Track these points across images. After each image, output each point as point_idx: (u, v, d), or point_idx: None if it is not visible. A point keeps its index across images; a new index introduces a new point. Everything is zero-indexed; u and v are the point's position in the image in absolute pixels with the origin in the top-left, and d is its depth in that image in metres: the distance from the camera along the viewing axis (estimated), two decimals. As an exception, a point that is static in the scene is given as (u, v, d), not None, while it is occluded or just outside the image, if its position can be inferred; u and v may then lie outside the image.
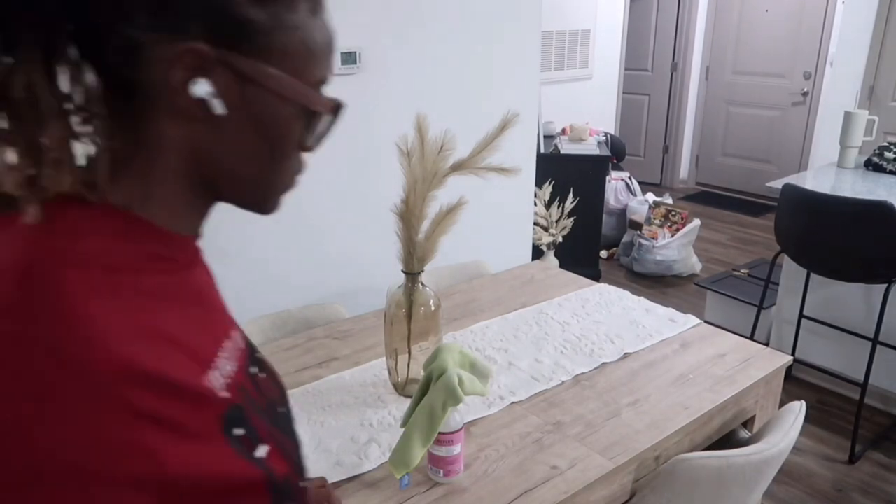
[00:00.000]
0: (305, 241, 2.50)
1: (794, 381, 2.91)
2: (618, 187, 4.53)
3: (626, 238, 4.37)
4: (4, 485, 0.42)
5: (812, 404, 2.74)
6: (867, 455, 2.43)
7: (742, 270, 3.44)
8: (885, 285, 2.32)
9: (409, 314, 1.36)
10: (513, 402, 1.39)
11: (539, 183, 3.48)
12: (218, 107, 0.53)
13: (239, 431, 0.52)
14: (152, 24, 0.49)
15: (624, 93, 5.33)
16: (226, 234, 2.33)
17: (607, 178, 4.21)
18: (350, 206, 2.59)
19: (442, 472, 1.15)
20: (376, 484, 1.15)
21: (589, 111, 4.91)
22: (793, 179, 2.71)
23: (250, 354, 0.67)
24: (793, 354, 2.80)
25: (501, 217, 3.10)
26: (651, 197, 4.44)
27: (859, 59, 3.92)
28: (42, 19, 0.47)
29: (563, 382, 1.47)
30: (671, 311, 1.83)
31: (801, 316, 2.81)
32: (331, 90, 2.11)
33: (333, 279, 2.62)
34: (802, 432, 2.15)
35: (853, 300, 2.70)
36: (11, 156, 0.48)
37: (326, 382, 1.47)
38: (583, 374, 1.51)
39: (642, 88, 5.85)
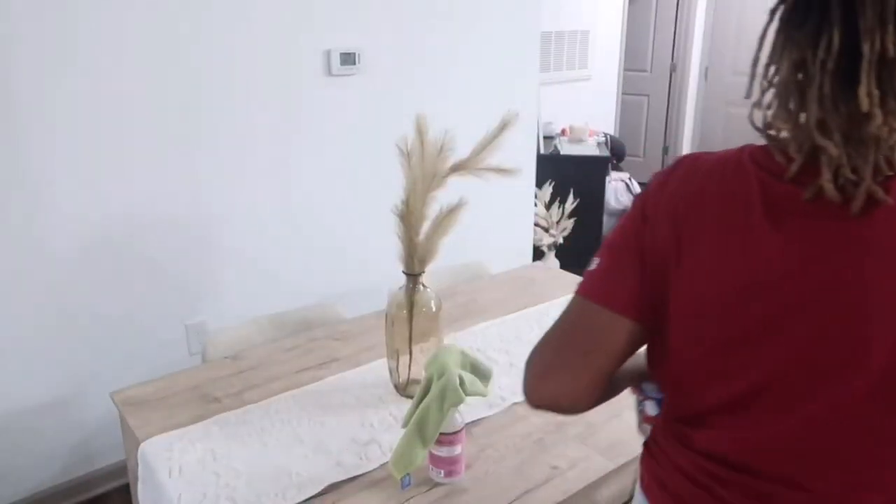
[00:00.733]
0: (306, 242, 2.50)
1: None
2: (618, 188, 4.54)
3: (625, 238, 4.36)
4: None
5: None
6: (867, 455, 2.43)
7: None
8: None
9: (410, 315, 1.35)
10: (514, 403, 1.39)
11: (539, 184, 3.48)
12: None
13: None
14: None
15: (623, 93, 5.34)
16: (227, 234, 2.34)
17: (607, 178, 4.21)
18: (350, 207, 2.59)
19: (443, 472, 1.15)
20: (377, 484, 1.15)
21: (588, 112, 4.91)
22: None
23: None
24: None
25: (502, 218, 3.10)
26: (651, 197, 4.43)
27: (859, 59, 3.92)
28: None
29: (563, 383, 1.47)
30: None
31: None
32: (331, 90, 2.12)
33: (334, 280, 2.62)
34: (803, 433, 2.15)
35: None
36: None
37: (327, 383, 1.47)
38: (583, 374, 1.50)
39: (641, 89, 5.85)
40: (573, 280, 2.06)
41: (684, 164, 0.81)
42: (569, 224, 3.74)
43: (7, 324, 1.95)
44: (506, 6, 2.80)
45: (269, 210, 2.36)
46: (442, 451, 1.14)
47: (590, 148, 4.09)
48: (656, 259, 0.78)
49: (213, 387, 1.46)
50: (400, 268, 1.36)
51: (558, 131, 4.46)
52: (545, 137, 4.17)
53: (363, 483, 1.16)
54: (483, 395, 1.19)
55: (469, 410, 1.35)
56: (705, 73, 5.69)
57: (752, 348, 0.74)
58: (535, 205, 3.51)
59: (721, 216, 0.75)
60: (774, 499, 0.76)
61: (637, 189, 4.66)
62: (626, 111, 5.65)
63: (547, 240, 3.71)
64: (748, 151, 0.76)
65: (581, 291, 0.85)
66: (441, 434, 1.12)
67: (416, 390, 1.18)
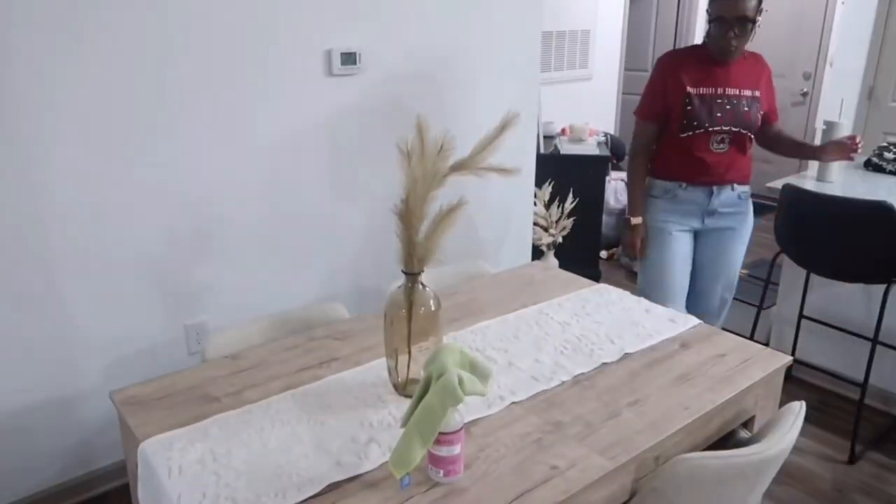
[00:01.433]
0: (305, 242, 2.50)
1: (794, 381, 2.91)
2: (617, 187, 4.53)
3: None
4: None
5: (812, 404, 2.74)
6: (867, 455, 2.44)
7: (742, 270, 3.43)
8: (885, 285, 2.32)
9: (409, 314, 1.35)
10: (513, 403, 1.39)
11: (539, 183, 3.48)
12: None
13: None
14: None
15: (624, 93, 5.33)
16: (227, 234, 2.34)
17: (607, 178, 4.21)
18: (350, 207, 2.59)
19: (442, 472, 1.15)
20: (377, 484, 1.15)
21: (589, 111, 4.91)
22: (792, 180, 2.71)
23: None
24: (793, 354, 2.81)
25: (501, 217, 3.10)
26: (651, 197, 4.43)
27: (859, 59, 3.92)
28: None
29: (563, 382, 1.47)
30: (671, 312, 1.83)
31: (801, 316, 2.81)
32: (331, 90, 2.14)
33: (333, 279, 2.62)
34: (802, 432, 2.15)
35: (853, 300, 2.70)
36: None
37: (327, 382, 1.47)
38: (583, 374, 1.51)
39: (642, 88, 5.84)
40: (572, 279, 2.06)
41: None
42: (568, 223, 3.74)
43: (6, 324, 1.95)
44: (506, 6, 2.80)
45: (269, 210, 2.36)
46: (441, 451, 1.14)
47: (590, 147, 4.09)
48: None
49: (213, 386, 1.46)
50: (399, 267, 1.36)
51: (558, 131, 4.46)
52: (545, 137, 4.17)
53: (363, 483, 1.16)
54: (482, 394, 1.19)
55: (468, 410, 1.35)
56: (705, 73, 5.68)
57: None
58: (535, 204, 3.51)
59: None
60: None
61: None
62: (627, 111, 5.64)
63: (546, 239, 3.71)
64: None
65: None
66: (440, 433, 1.13)
67: (416, 389, 1.18)
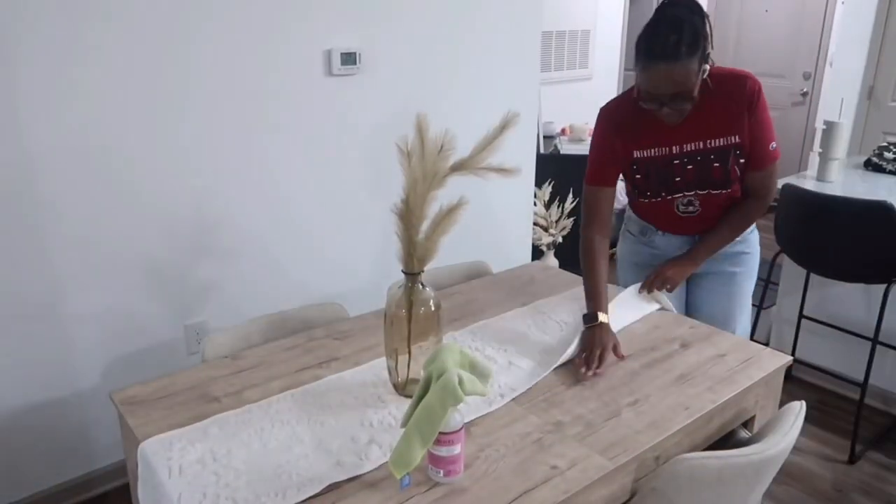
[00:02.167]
0: (305, 242, 2.50)
1: (794, 381, 2.91)
2: (618, 187, 4.53)
3: (625, 238, 4.36)
4: None
5: (812, 404, 2.74)
6: (867, 455, 2.44)
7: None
8: (885, 285, 2.32)
9: (409, 314, 1.35)
10: (513, 402, 1.39)
11: (539, 183, 3.48)
12: None
13: None
14: None
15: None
16: (227, 234, 2.34)
17: (607, 178, 4.20)
18: (350, 207, 2.59)
19: (442, 472, 1.15)
20: (377, 484, 1.15)
21: (589, 111, 4.91)
22: (792, 180, 2.71)
23: None
24: (793, 354, 2.81)
25: (501, 217, 3.10)
26: (651, 197, 4.43)
27: (859, 59, 3.92)
28: None
29: (563, 382, 1.47)
30: (665, 311, 1.83)
31: (801, 316, 2.81)
32: (331, 90, 2.15)
33: (333, 279, 2.62)
34: (802, 432, 2.15)
35: (853, 300, 2.70)
36: None
37: (326, 382, 1.47)
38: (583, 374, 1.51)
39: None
40: (572, 279, 2.06)
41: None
42: (568, 223, 3.74)
43: (6, 323, 1.95)
44: (506, 6, 2.80)
45: (268, 210, 2.36)
46: (441, 451, 1.14)
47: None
48: None
49: (213, 386, 1.46)
50: (399, 267, 1.36)
51: (558, 131, 4.46)
52: (545, 137, 4.17)
53: (363, 483, 1.16)
54: (482, 394, 1.19)
55: (468, 409, 1.35)
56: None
57: None
58: (535, 204, 3.51)
59: None
60: None
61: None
62: (626, 111, 5.65)
63: (546, 239, 3.71)
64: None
65: None
66: (440, 433, 1.13)
67: (416, 389, 1.18)
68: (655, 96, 1.59)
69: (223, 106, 2.17)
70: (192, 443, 1.25)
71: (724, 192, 1.79)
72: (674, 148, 1.74)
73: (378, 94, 2.52)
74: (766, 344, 2.35)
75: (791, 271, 2.86)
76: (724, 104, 1.68)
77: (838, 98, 3.90)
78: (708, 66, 1.60)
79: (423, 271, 1.36)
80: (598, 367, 1.49)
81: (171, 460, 1.20)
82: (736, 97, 1.67)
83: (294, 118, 2.33)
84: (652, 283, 1.83)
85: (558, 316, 1.79)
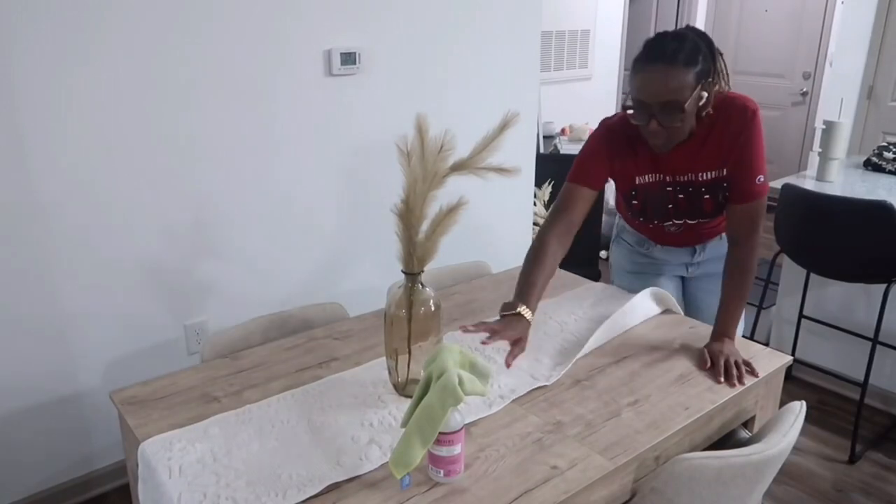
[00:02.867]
0: (305, 242, 2.50)
1: (794, 381, 2.91)
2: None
3: (625, 238, 4.36)
4: None
5: (812, 404, 2.74)
6: (867, 455, 2.44)
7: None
8: (885, 285, 2.32)
9: (409, 314, 1.35)
10: (513, 402, 1.39)
11: (539, 183, 3.48)
12: None
13: None
14: None
15: (624, 93, 5.33)
16: (226, 234, 2.34)
17: (607, 178, 4.20)
18: (350, 207, 2.59)
19: (442, 472, 1.15)
20: (377, 484, 1.15)
21: (589, 111, 4.91)
22: (792, 179, 2.71)
23: None
24: (793, 354, 2.81)
25: (501, 217, 3.10)
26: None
27: (859, 59, 3.92)
28: None
29: (563, 382, 1.47)
30: (668, 313, 1.83)
31: (801, 316, 2.81)
32: (331, 90, 2.15)
33: (333, 279, 2.62)
34: (802, 432, 2.15)
35: (853, 300, 2.70)
36: None
37: (327, 382, 1.47)
38: (582, 373, 1.51)
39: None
40: (571, 279, 2.06)
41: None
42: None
43: (6, 323, 1.95)
44: (506, 6, 2.80)
45: (268, 210, 2.36)
46: (441, 451, 1.14)
47: (590, 147, 4.09)
48: None
49: (213, 386, 1.46)
50: (399, 267, 1.36)
51: (558, 131, 4.46)
52: (545, 137, 4.17)
53: (363, 483, 1.16)
54: (482, 394, 1.19)
55: (468, 410, 1.35)
56: (705, 73, 5.68)
57: None
58: (535, 204, 3.51)
59: None
60: None
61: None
62: (626, 111, 5.65)
63: (547, 239, 3.70)
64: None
65: None
66: (440, 433, 1.12)
67: (415, 389, 1.18)
68: (646, 105, 1.50)
69: (223, 106, 2.17)
70: (192, 443, 1.25)
71: (708, 221, 1.80)
72: (667, 177, 1.70)
73: (378, 94, 2.52)
74: (766, 344, 2.35)
75: (791, 271, 2.86)
76: (719, 134, 1.60)
77: (838, 98, 3.90)
78: (706, 95, 1.51)
79: (423, 271, 1.36)
80: (511, 358, 1.46)
81: (171, 460, 1.20)
82: (732, 124, 1.59)
83: (294, 118, 2.33)
84: (727, 373, 1.51)
85: (558, 316, 1.79)
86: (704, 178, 1.67)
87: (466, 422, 1.31)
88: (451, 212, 1.31)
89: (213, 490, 1.13)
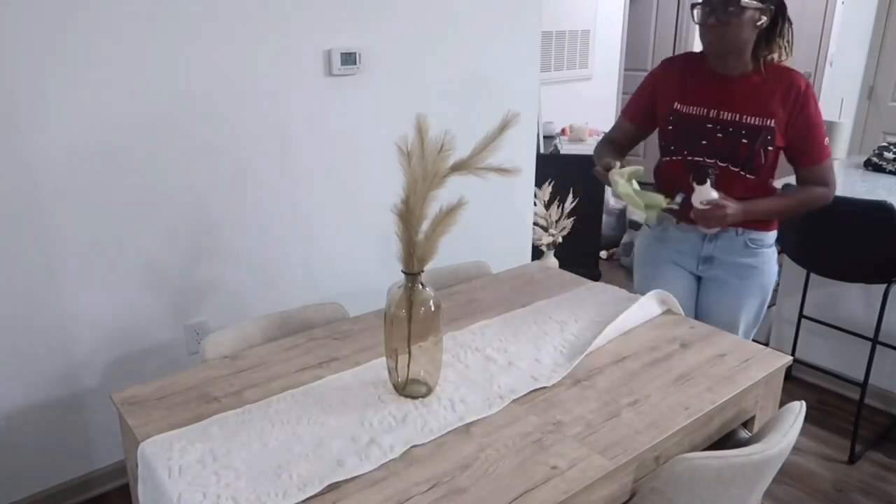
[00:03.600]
0: (305, 242, 2.50)
1: (794, 381, 2.91)
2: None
3: (625, 238, 4.37)
4: None
5: (812, 404, 2.74)
6: (867, 455, 2.44)
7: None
8: (885, 285, 2.32)
9: (409, 314, 1.35)
10: (513, 402, 1.39)
11: (539, 183, 3.48)
12: None
13: None
14: None
15: (624, 93, 5.33)
16: (226, 234, 2.34)
17: (607, 178, 4.20)
18: (350, 207, 2.59)
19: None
20: (377, 484, 1.15)
21: (589, 111, 4.91)
22: (792, 180, 2.71)
23: None
24: (793, 354, 2.81)
25: (501, 217, 3.10)
26: (651, 197, 4.43)
27: (859, 59, 3.92)
28: None
29: (563, 382, 1.47)
30: (669, 314, 1.83)
31: (800, 316, 2.81)
32: (331, 90, 2.13)
33: (333, 279, 2.62)
34: (802, 432, 2.15)
35: (853, 300, 2.70)
36: None
37: (327, 382, 1.47)
38: (582, 373, 1.51)
39: (642, 88, 5.84)
40: (572, 279, 2.06)
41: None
42: (568, 223, 3.74)
43: (6, 324, 1.95)
44: (506, 6, 2.80)
45: (268, 210, 2.36)
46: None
47: (590, 147, 4.08)
48: None
49: (213, 387, 1.46)
50: (399, 267, 1.36)
51: (558, 131, 4.46)
52: (545, 137, 4.17)
53: (363, 483, 1.16)
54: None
55: (468, 411, 1.35)
56: (705, 73, 5.68)
57: None
58: (535, 204, 3.51)
59: None
60: None
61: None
62: (626, 111, 5.65)
63: (546, 239, 3.71)
64: None
65: None
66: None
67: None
68: (708, 2, 1.71)
69: (223, 106, 2.17)
70: (192, 443, 1.25)
71: (743, 174, 1.82)
72: (711, 112, 1.81)
73: (378, 94, 2.52)
74: (766, 344, 2.35)
75: (791, 271, 2.86)
76: (771, 89, 1.77)
77: (838, 98, 3.90)
78: (766, 19, 1.72)
79: (423, 271, 1.36)
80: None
81: (171, 460, 1.20)
82: (785, 88, 1.77)
83: (294, 118, 2.33)
84: (708, 213, 1.74)
85: (558, 316, 1.79)
86: (748, 121, 1.78)
87: (466, 423, 1.32)
88: (451, 212, 1.31)
89: (213, 490, 1.13)
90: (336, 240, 2.58)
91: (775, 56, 1.78)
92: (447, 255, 1.48)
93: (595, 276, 3.79)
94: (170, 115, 2.07)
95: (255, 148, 2.27)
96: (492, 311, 1.83)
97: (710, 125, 1.82)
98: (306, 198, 2.45)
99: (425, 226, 1.32)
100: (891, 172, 2.81)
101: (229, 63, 2.14)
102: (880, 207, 2.18)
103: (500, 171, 1.36)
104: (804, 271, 2.70)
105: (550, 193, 3.73)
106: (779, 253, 2.62)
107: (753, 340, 1.87)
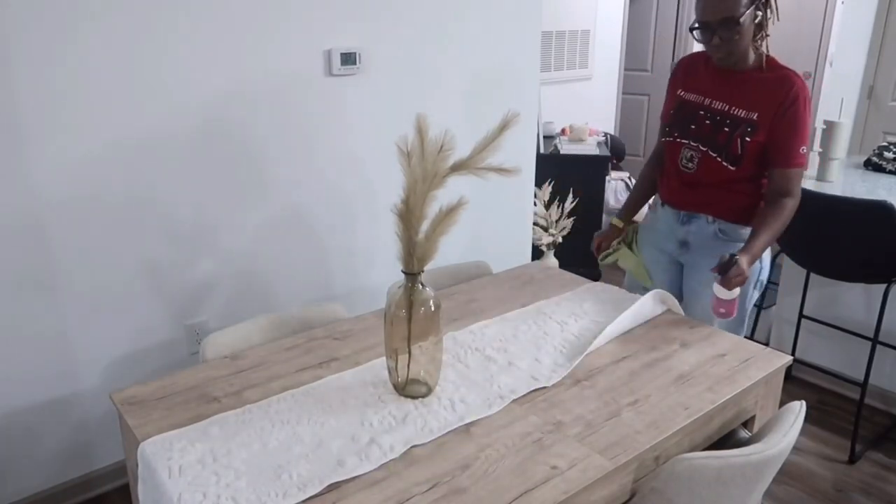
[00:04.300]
0: (305, 241, 2.50)
1: (794, 381, 2.91)
2: (617, 187, 4.54)
3: (625, 238, 4.36)
4: None
5: (812, 404, 2.74)
6: (867, 455, 2.44)
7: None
8: (885, 285, 2.32)
9: (409, 314, 1.35)
10: (513, 402, 1.39)
11: (539, 183, 3.48)
12: None
13: None
14: None
15: (624, 93, 5.33)
16: (227, 234, 2.34)
17: (607, 178, 4.21)
18: (350, 207, 2.59)
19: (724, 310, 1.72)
20: (377, 484, 1.15)
21: (589, 111, 4.91)
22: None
23: None
24: (793, 354, 2.81)
25: (501, 217, 3.10)
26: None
27: (859, 59, 3.92)
28: None
29: (563, 382, 1.47)
30: (669, 314, 1.83)
31: (801, 316, 2.81)
32: (331, 90, 2.15)
33: (333, 280, 2.62)
34: (802, 432, 2.15)
35: (853, 300, 2.70)
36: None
37: (327, 382, 1.47)
38: (582, 373, 1.51)
39: (642, 88, 5.85)
40: (572, 279, 2.06)
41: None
42: (568, 223, 3.74)
43: (6, 324, 1.95)
44: (506, 6, 2.80)
45: (268, 210, 2.36)
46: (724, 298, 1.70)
47: (590, 147, 4.09)
48: None
49: (213, 387, 1.46)
50: (399, 267, 1.36)
51: (558, 131, 4.46)
52: (545, 137, 4.17)
53: (363, 483, 1.16)
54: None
55: (468, 412, 1.35)
56: (705, 73, 5.68)
57: None
58: (535, 204, 3.51)
59: None
60: None
61: (637, 189, 4.66)
62: (627, 111, 5.65)
63: (546, 239, 3.71)
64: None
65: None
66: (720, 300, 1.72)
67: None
68: (707, 24, 1.77)
69: (223, 106, 2.17)
70: (192, 443, 1.25)
71: (719, 160, 1.88)
72: (706, 101, 1.92)
73: (378, 94, 2.52)
74: (766, 344, 2.35)
75: (791, 271, 2.87)
76: (765, 85, 1.84)
77: (838, 98, 3.90)
78: (760, 15, 1.79)
79: (423, 271, 1.36)
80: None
81: (171, 460, 1.20)
82: (778, 85, 1.82)
83: (294, 118, 2.33)
84: (732, 279, 1.71)
85: (558, 316, 1.80)
86: (734, 112, 1.87)
87: (466, 423, 1.32)
88: (451, 212, 1.31)
89: (213, 490, 1.13)
90: (336, 240, 2.58)
91: (768, 31, 1.86)
92: (447, 255, 1.48)
93: (595, 277, 3.79)
94: (169, 116, 2.07)
95: (254, 148, 2.27)
96: (492, 311, 1.84)
97: (702, 112, 1.92)
98: (306, 198, 2.45)
99: (425, 226, 1.32)
100: (891, 172, 2.80)
101: (229, 63, 2.14)
102: (880, 207, 2.18)
103: (500, 171, 1.36)
104: (804, 271, 2.70)
105: (550, 193, 3.73)
106: (778, 253, 2.62)
107: (754, 340, 1.87)
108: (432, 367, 1.40)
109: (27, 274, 1.94)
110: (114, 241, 2.06)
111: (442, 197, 1.32)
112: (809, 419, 2.62)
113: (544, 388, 1.45)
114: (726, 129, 1.87)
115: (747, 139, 1.83)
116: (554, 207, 3.70)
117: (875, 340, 2.37)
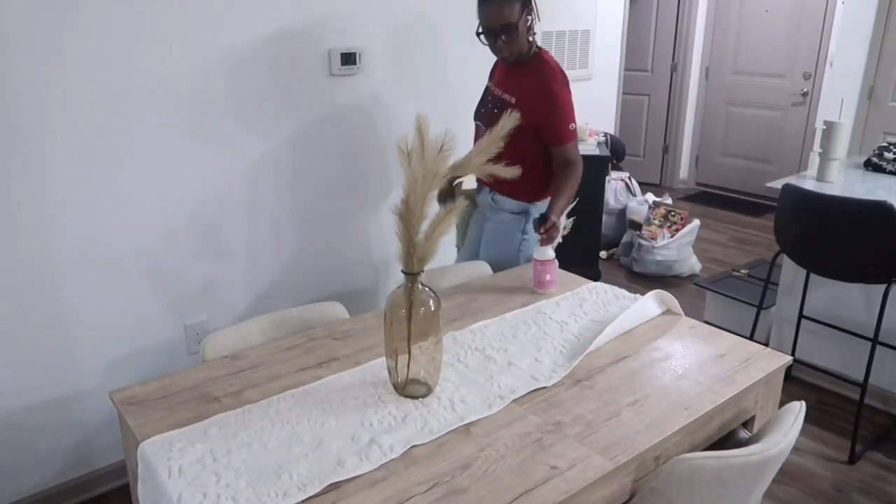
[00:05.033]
0: (306, 241, 2.50)
1: (794, 381, 2.91)
2: (617, 188, 4.53)
3: (625, 238, 4.37)
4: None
5: (812, 404, 2.74)
6: (867, 455, 2.44)
7: (742, 270, 3.44)
8: (885, 285, 2.32)
9: (408, 314, 1.35)
10: (513, 402, 1.39)
11: (539, 183, 3.48)
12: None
13: None
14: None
15: (624, 93, 5.32)
16: (226, 234, 2.34)
17: (607, 178, 4.21)
18: (350, 207, 2.59)
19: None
20: (377, 484, 1.15)
21: (589, 111, 4.91)
22: (792, 180, 2.71)
23: None
24: (793, 354, 2.81)
25: (501, 217, 3.09)
26: (651, 197, 4.44)
27: (859, 59, 3.92)
28: None
29: (563, 382, 1.47)
30: (669, 314, 1.83)
31: (800, 316, 2.81)
32: (331, 90, 2.15)
33: (333, 279, 2.62)
34: (802, 432, 2.15)
35: (853, 300, 2.70)
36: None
37: (326, 382, 1.47)
38: (582, 373, 1.51)
39: (642, 89, 5.84)
40: (571, 279, 2.06)
41: None
42: (568, 223, 3.74)
43: (6, 324, 1.95)
44: (506, 6, 2.79)
45: (269, 209, 2.36)
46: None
47: (590, 147, 4.09)
48: None
49: (213, 387, 1.46)
50: (399, 267, 1.36)
51: (558, 131, 4.44)
52: (545, 137, 4.15)
53: (364, 482, 1.16)
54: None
55: (468, 412, 1.35)
56: (706, 73, 5.68)
57: None
58: (535, 204, 3.51)
59: None
60: None
61: (637, 188, 4.66)
62: (627, 111, 5.65)
63: (547, 239, 3.70)
64: None
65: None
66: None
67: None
68: (491, 30, 2.07)
69: (223, 105, 2.17)
70: (192, 443, 1.25)
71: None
72: (495, 90, 2.26)
73: (378, 94, 2.52)
74: (766, 344, 2.35)
75: (791, 271, 2.86)
76: (528, 72, 2.17)
77: (838, 98, 3.90)
78: (531, 19, 2.10)
79: (422, 271, 1.36)
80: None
81: (171, 460, 1.20)
82: (540, 74, 2.15)
83: (294, 118, 2.33)
84: (549, 231, 2.07)
85: (558, 316, 1.80)
86: (502, 96, 2.22)
87: (465, 423, 1.32)
88: (451, 212, 1.31)
89: (213, 490, 1.13)
90: (336, 240, 2.58)
91: (533, 26, 2.13)
92: (447, 255, 1.48)
93: (595, 276, 3.79)
94: (170, 115, 2.07)
95: (255, 147, 2.27)
96: (491, 311, 1.84)
97: (490, 98, 2.27)
98: (306, 197, 2.45)
99: (425, 226, 1.32)
100: (891, 172, 2.80)
101: (230, 62, 2.14)
102: (880, 207, 2.18)
103: (500, 171, 1.36)
104: (804, 271, 2.70)
105: (550, 193, 3.72)
106: (778, 253, 2.62)
107: (754, 341, 1.87)
108: (432, 367, 1.40)
109: (27, 274, 1.94)
110: (114, 241, 2.06)
111: (442, 197, 1.32)
112: (809, 419, 2.62)
113: (544, 388, 1.45)
114: (496, 111, 2.19)
115: (513, 119, 2.05)
116: (554, 207, 3.70)
117: (875, 341, 2.37)
